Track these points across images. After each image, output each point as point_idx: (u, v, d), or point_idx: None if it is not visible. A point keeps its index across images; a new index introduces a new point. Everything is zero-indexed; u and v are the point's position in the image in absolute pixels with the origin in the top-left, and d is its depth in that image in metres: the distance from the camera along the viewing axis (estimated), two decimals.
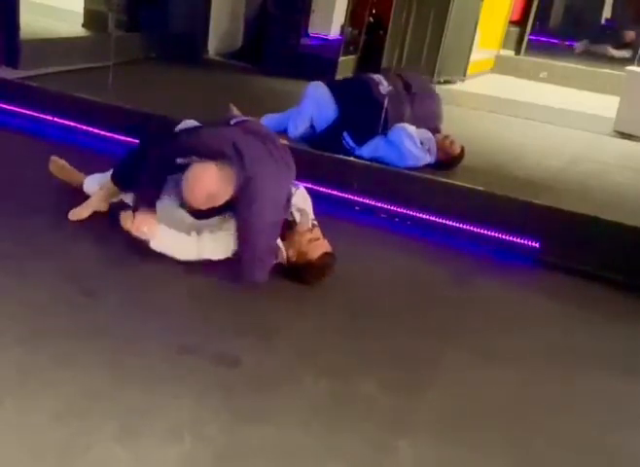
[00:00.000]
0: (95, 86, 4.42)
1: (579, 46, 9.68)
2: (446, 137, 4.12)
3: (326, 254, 2.69)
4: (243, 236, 2.60)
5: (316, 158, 3.71)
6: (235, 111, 4.14)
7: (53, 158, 3.14)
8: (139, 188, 2.69)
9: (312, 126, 4.17)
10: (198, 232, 2.66)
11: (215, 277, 2.64)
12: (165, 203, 2.70)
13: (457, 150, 4.10)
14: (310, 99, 4.14)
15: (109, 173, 2.94)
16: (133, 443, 1.74)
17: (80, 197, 2.97)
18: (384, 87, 4.14)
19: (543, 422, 2.11)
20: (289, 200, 2.72)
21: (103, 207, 2.94)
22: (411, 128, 4.00)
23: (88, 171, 3.08)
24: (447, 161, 4.10)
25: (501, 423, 2.09)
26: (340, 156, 3.84)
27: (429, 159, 4.01)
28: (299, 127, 4.14)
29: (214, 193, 2.53)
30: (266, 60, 6.28)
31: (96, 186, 2.97)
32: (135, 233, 2.57)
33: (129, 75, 4.96)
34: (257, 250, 2.60)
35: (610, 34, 9.57)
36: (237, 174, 2.54)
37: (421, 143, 3.99)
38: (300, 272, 2.69)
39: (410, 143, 3.92)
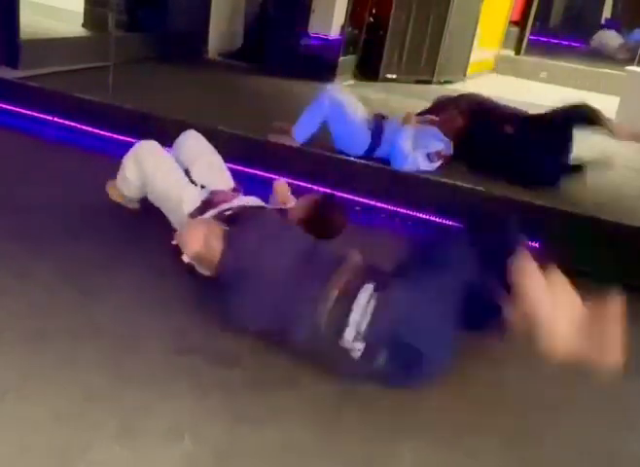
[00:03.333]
0: (95, 86, 4.42)
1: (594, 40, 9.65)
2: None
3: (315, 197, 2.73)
4: None
5: (316, 158, 3.71)
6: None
7: (110, 183, 2.97)
8: None
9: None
10: None
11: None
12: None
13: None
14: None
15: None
16: (133, 442, 1.74)
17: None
18: None
19: (543, 422, 2.12)
20: None
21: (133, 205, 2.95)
22: (411, 132, 3.97)
23: (85, 172, 3.07)
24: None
25: (501, 424, 2.09)
26: (341, 156, 3.84)
27: (424, 165, 3.94)
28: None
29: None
30: (267, 60, 6.29)
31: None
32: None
33: (129, 75, 4.95)
34: None
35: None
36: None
37: (428, 156, 3.96)
38: (320, 220, 2.67)
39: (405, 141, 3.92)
